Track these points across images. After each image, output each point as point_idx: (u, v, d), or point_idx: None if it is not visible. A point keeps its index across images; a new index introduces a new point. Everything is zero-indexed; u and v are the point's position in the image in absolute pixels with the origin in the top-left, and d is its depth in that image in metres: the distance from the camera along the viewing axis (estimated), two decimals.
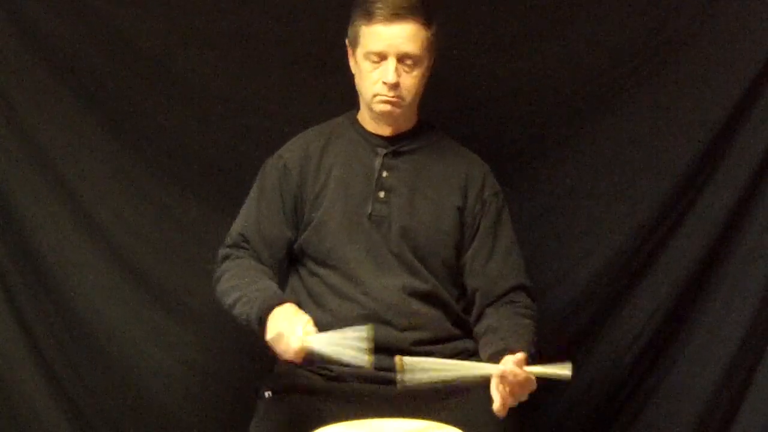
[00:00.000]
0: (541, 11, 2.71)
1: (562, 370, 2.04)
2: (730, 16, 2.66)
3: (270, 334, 2.18)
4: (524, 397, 2.09)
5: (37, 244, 2.70)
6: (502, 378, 2.06)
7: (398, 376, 2.05)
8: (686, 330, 2.73)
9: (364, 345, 2.06)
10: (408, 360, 2.05)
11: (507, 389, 2.07)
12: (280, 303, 2.22)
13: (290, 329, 2.14)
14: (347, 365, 2.13)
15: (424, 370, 2.05)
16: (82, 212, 2.72)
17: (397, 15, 2.29)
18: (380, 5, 2.30)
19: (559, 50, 2.72)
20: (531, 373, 2.07)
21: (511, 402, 2.08)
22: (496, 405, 2.08)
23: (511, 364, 2.06)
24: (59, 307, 2.72)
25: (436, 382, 2.07)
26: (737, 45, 2.65)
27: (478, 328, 2.33)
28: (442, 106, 2.55)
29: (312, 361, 2.22)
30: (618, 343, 2.75)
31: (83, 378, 2.75)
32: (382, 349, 2.24)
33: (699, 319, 2.72)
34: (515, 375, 2.05)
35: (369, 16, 2.30)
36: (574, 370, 2.20)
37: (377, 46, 2.30)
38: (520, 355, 2.08)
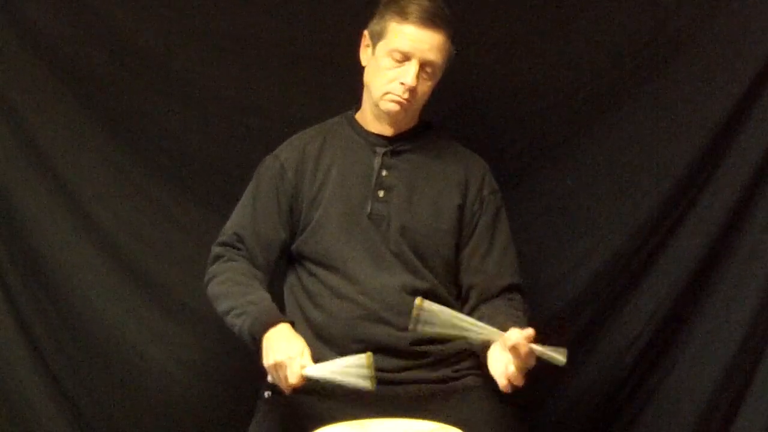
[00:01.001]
0: (541, 11, 2.71)
1: (559, 355, 2.03)
2: (730, 16, 2.66)
3: (267, 361, 2.17)
4: (524, 370, 2.07)
5: (37, 244, 2.70)
6: (513, 349, 2.04)
7: (413, 319, 2.06)
8: (686, 330, 2.73)
9: (366, 372, 2.06)
10: (427, 304, 2.06)
11: (516, 361, 2.05)
12: (274, 323, 2.21)
13: (288, 361, 2.13)
14: (350, 392, 2.10)
15: (439, 318, 2.06)
16: (82, 212, 2.72)
17: (432, 22, 2.30)
18: (417, 7, 2.30)
19: (559, 50, 2.72)
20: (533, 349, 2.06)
21: (516, 377, 2.06)
22: (502, 379, 2.07)
23: (519, 335, 2.05)
24: (59, 307, 2.72)
25: (446, 335, 2.08)
26: (737, 45, 2.65)
27: None
28: (442, 106, 2.54)
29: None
30: (618, 343, 2.74)
31: (83, 378, 2.75)
32: (381, 348, 2.25)
33: (699, 319, 2.71)
34: (523, 345, 2.04)
35: (404, 15, 2.30)
36: (574, 370, 2.20)
37: (405, 46, 2.30)
38: (529, 331, 2.06)
